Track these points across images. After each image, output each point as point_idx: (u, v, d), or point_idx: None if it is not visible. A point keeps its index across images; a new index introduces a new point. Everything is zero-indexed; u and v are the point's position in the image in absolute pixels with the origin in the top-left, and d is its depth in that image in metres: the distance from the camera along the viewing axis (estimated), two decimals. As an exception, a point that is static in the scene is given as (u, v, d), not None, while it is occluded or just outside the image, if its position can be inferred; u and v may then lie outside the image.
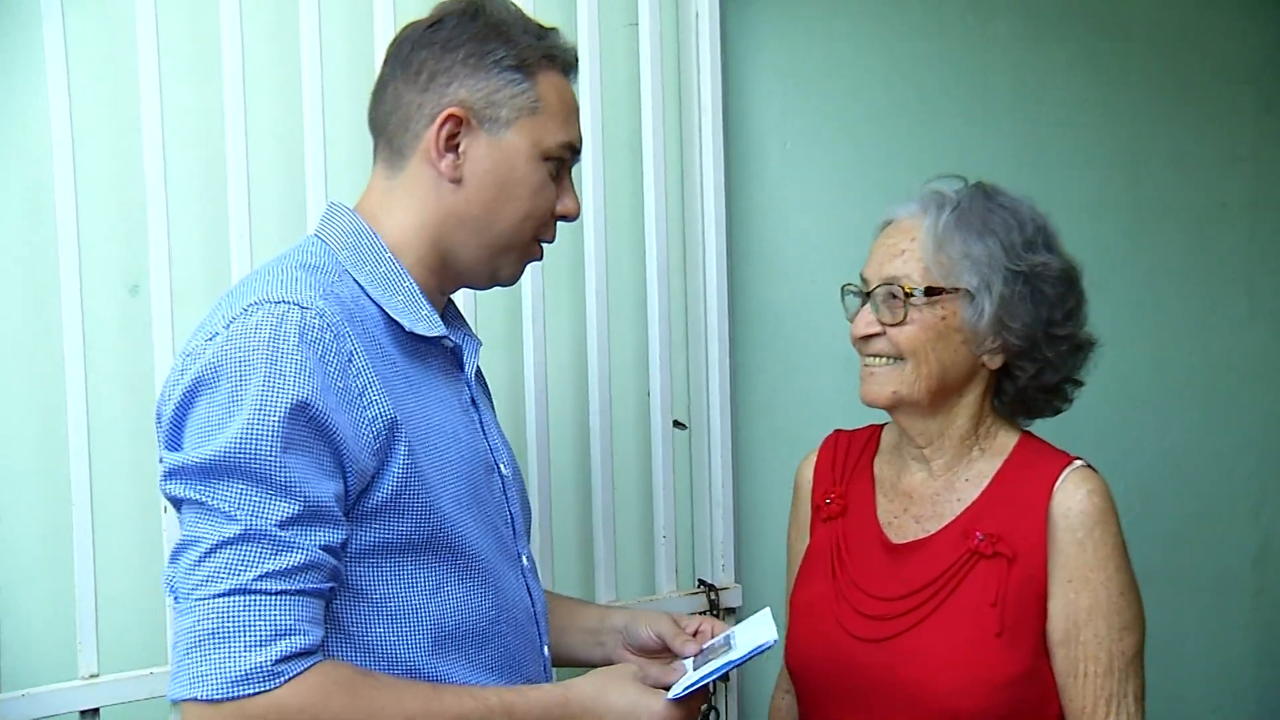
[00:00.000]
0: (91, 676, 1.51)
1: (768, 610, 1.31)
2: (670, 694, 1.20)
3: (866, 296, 1.39)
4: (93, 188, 1.54)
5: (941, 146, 2.24)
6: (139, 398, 1.57)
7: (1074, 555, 1.32)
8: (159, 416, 1.14)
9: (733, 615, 1.96)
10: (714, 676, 1.23)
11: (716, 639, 1.33)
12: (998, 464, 1.40)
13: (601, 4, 1.82)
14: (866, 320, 1.38)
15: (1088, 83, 2.44)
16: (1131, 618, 1.33)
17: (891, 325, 1.36)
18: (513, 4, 1.27)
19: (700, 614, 1.89)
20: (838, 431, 1.58)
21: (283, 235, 1.61)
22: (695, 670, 1.25)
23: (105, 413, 1.54)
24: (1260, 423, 2.74)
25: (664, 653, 1.36)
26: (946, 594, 1.34)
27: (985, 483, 1.39)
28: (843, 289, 1.44)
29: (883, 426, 1.54)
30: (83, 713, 1.50)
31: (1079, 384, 1.43)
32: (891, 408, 1.40)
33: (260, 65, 1.63)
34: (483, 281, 1.29)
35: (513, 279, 1.29)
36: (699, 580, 1.96)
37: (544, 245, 1.30)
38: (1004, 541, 1.33)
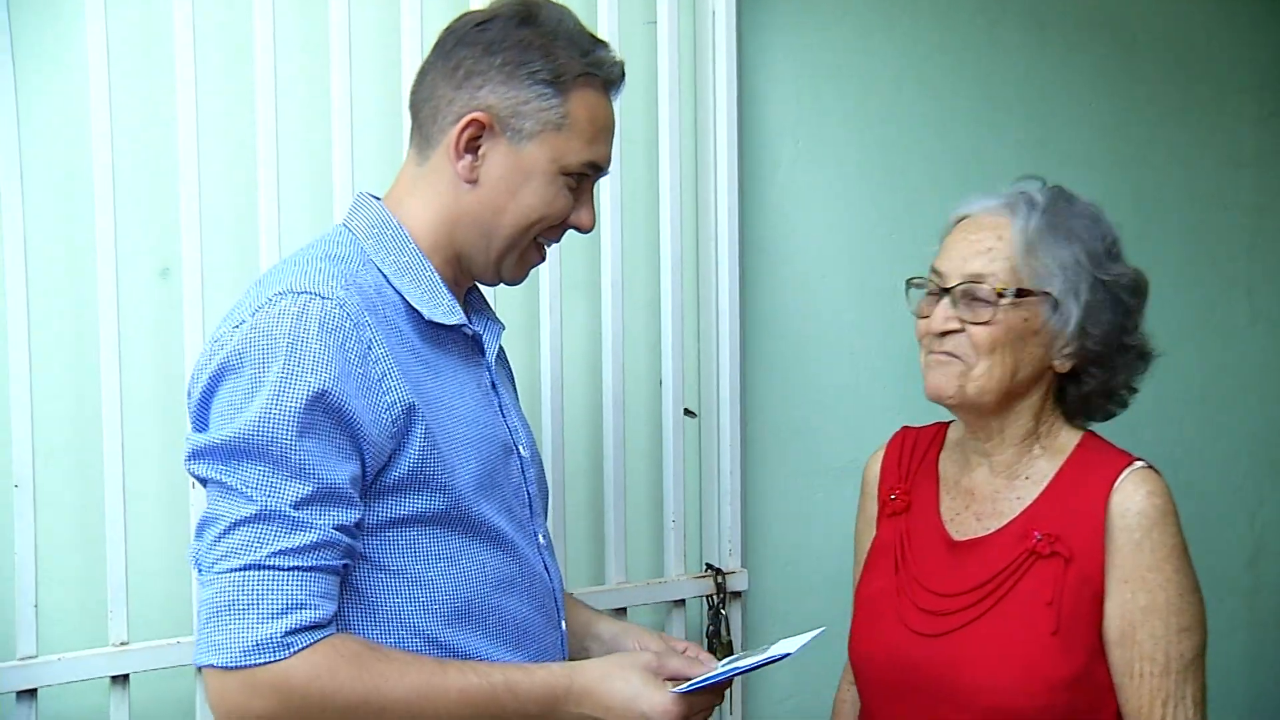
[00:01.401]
0: (121, 644, 1.55)
1: (822, 630, 1.28)
2: (677, 687, 1.19)
3: (944, 291, 1.36)
4: (128, 175, 1.58)
5: (949, 146, 2.28)
6: (169, 378, 1.61)
7: (1131, 556, 1.31)
8: (189, 398, 1.18)
9: (738, 599, 2.01)
10: (725, 675, 1.21)
11: (757, 648, 1.32)
12: (1059, 463, 1.39)
13: (622, 2, 1.86)
14: (945, 315, 1.35)
15: (1093, 87, 2.47)
16: (1191, 619, 1.31)
17: (973, 323, 1.34)
18: (568, 12, 1.27)
19: (719, 611, 1.94)
20: (905, 428, 1.57)
21: (310, 222, 1.66)
22: (716, 669, 1.24)
23: (137, 392, 1.59)
24: (1257, 427, 2.77)
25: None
26: (1004, 592, 1.34)
27: (1045, 482, 1.39)
28: (908, 282, 1.42)
29: (949, 424, 1.53)
30: (113, 678, 1.55)
31: (1135, 390, 1.44)
32: (956, 404, 1.38)
33: (291, 56, 1.67)
34: (489, 279, 1.31)
35: (517, 279, 1.31)
36: (706, 564, 2.00)
37: (549, 246, 1.31)
38: (1062, 541, 1.33)
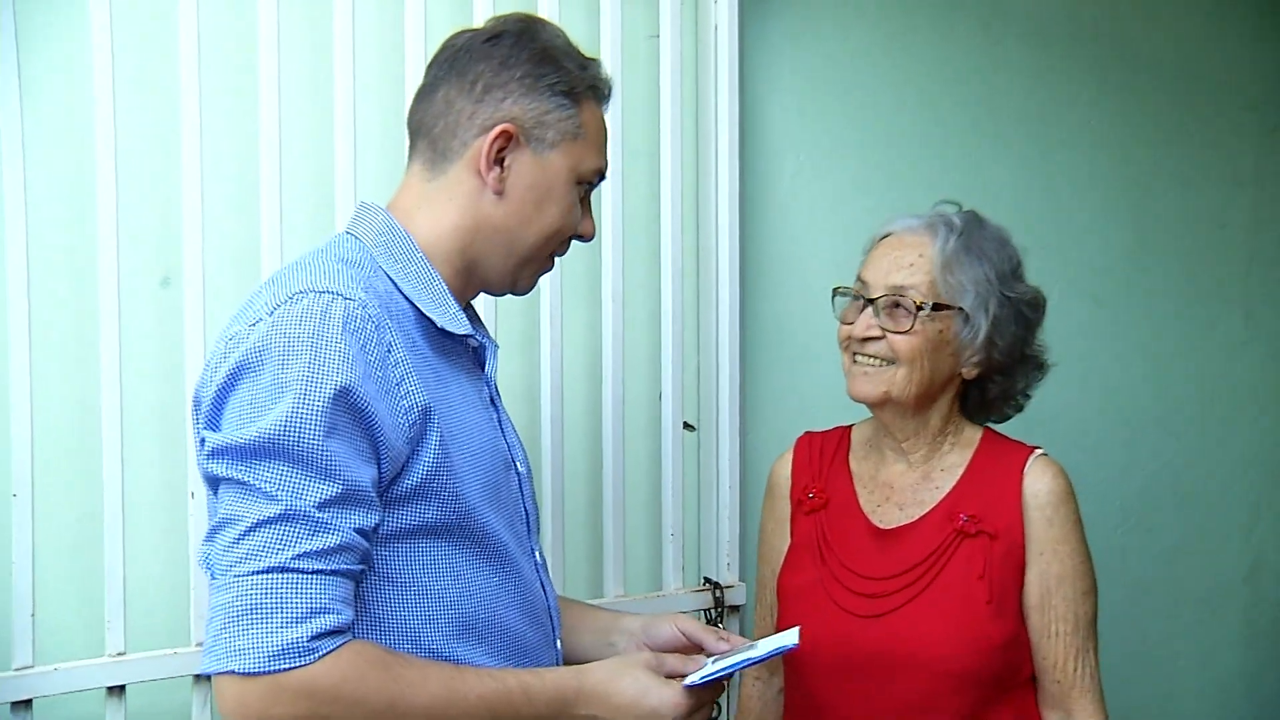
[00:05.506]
0: (119, 654, 1.55)
1: (798, 629, 1.33)
2: (686, 680, 1.22)
3: (868, 301, 1.49)
4: (130, 184, 1.58)
5: (950, 163, 2.28)
6: (170, 387, 1.61)
7: (1044, 530, 1.48)
8: (198, 400, 1.17)
9: (736, 613, 2.01)
10: (732, 670, 1.25)
11: (742, 643, 1.35)
12: (968, 456, 1.55)
13: (625, 17, 1.87)
14: (868, 323, 1.49)
15: (1094, 105, 2.48)
16: (1090, 584, 1.50)
17: (894, 332, 1.48)
18: (560, 31, 1.32)
19: (715, 624, 1.94)
20: (809, 433, 1.68)
21: (312, 232, 1.66)
22: (714, 664, 1.27)
23: (137, 401, 1.59)
24: (1255, 443, 2.78)
25: (688, 649, 1.36)
26: (938, 570, 1.48)
27: (960, 472, 1.54)
28: (834, 290, 1.55)
29: (851, 427, 1.66)
30: (109, 688, 1.54)
31: (1030, 396, 1.60)
32: (879, 405, 1.52)
33: (295, 67, 1.67)
34: (502, 289, 1.33)
35: (528, 289, 1.34)
36: (704, 578, 2.00)
37: (559, 257, 1.36)
38: (985, 521, 1.48)
